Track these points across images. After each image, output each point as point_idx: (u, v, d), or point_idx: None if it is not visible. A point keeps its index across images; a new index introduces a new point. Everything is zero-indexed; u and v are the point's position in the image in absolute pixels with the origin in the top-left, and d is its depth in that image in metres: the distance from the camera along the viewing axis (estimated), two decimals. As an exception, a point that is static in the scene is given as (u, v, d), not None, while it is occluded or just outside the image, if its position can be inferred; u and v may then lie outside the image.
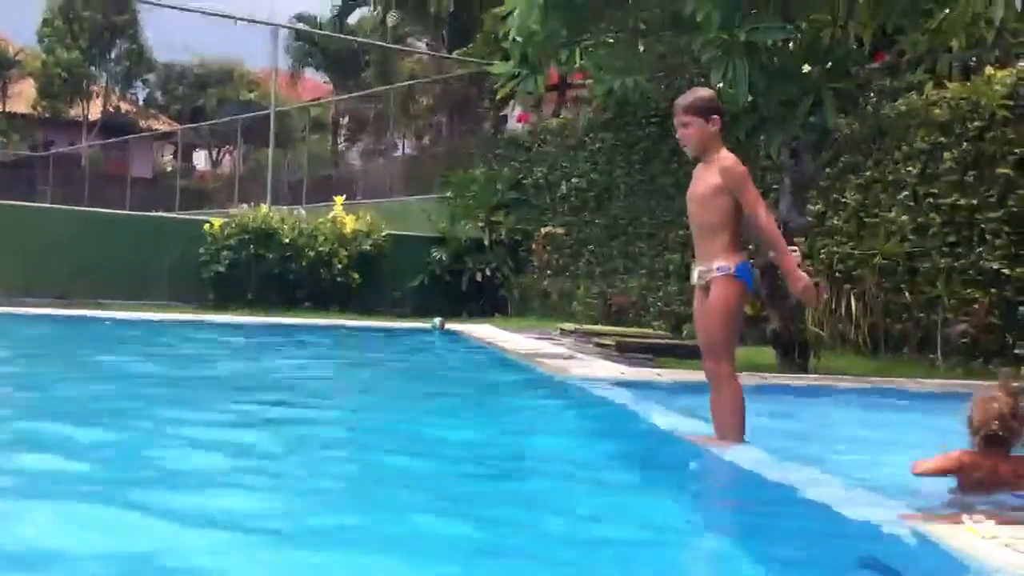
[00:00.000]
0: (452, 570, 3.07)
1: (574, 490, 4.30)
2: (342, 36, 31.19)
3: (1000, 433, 4.13)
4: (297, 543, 3.25)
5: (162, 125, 42.52)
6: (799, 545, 3.50)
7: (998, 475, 4.15)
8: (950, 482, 4.25)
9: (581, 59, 9.84)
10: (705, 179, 5.05)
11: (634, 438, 5.58)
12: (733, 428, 4.95)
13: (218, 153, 42.71)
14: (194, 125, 39.30)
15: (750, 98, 8.43)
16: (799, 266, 4.98)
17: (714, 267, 4.99)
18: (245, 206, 17.87)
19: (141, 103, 43.79)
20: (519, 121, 21.06)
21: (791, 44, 9.09)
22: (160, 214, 22.61)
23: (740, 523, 3.94)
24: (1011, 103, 10.26)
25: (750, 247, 5.49)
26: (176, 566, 2.95)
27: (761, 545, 3.52)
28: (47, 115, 39.44)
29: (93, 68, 39.31)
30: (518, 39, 9.51)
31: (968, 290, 10.60)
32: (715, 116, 5.07)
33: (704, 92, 5.31)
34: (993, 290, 10.39)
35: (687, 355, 10.57)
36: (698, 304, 5.16)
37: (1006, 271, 10.29)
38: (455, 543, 3.33)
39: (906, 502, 3.84)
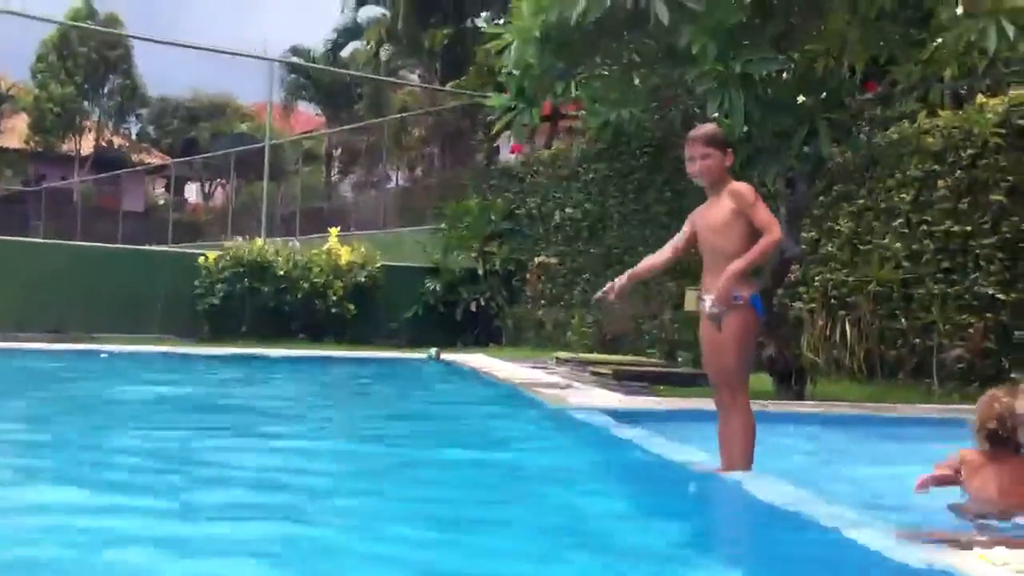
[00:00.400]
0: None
1: (577, 520, 4.31)
2: (335, 69, 31.31)
3: (998, 432, 4.21)
4: None
5: (154, 159, 42.60)
6: (810, 573, 3.52)
7: (1002, 475, 4.20)
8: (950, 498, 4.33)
9: (576, 90, 9.89)
10: (719, 208, 5.05)
11: (640, 468, 5.58)
12: (743, 458, 4.96)
13: (210, 186, 42.75)
14: (186, 159, 39.39)
15: (745, 128, 8.49)
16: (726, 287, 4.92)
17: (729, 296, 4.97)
18: (240, 239, 17.90)
19: (134, 137, 43.85)
20: (513, 152, 21.16)
21: (785, 75, 9.17)
22: (154, 247, 22.66)
23: (754, 552, 3.96)
24: (1003, 131, 10.36)
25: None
26: None
27: (773, 573, 3.55)
28: (39, 150, 39.47)
29: (86, 103, 39.42)
30: (514, 72, 9.55)
31: (963, 315, 10.68)
32: (729, 150, 5.12)
33: (715, 126, 5.39)
34: (988, 315, 10.47)
35: (682, 382, 10.64)
36: (707, 333, 5.13)
37: (1001, 296, 10.38)
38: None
39: (905, 523, 3.90)
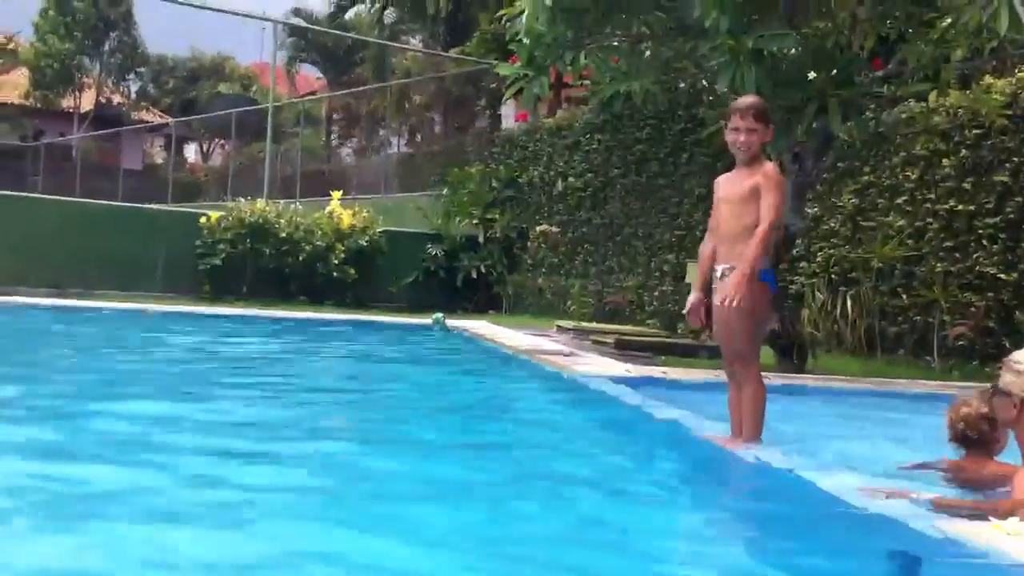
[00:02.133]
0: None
1: (587, 487, 4.39)
2: (337, 32, 31.20)
3: (968, 433, 4.36)
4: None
5: (153, 117, 42.48)
6: (822, 540, 3.62)
7: (981, 478, 4.35)
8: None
9: (585, 61, 9.92)
10: (744, 183, 5.06)
11: (648, 436, 5.68)
12: (753, 427, 5.05)
13: (209, 146, 42.61)
14: (187, 118, 39.31)
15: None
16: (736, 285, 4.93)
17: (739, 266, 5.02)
18: (242, 200, 17.92)
19: (133, 95, 43.69)
20: (517, 120, 21.17)
21: (796, 51, 9.21)
22: (155, 206, 22.64)
23: (764, 519, 4.05)
24: (1009, 112, 10.42)
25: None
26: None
27: (784, 541, 3.64)
28: (38, 105, 39.32)
29: (87, 60, 39.25)
30: (525, 40, 9.58)
31: (965, 294, 10.78)
32: (771, 125, 5.14)
33: (760, 99, 5.36)
34: (990, 294, 10.57)
35: (684, 353, 10.74)
36: (720, 305, 5.20)
37: (1003, 276, 10.47)
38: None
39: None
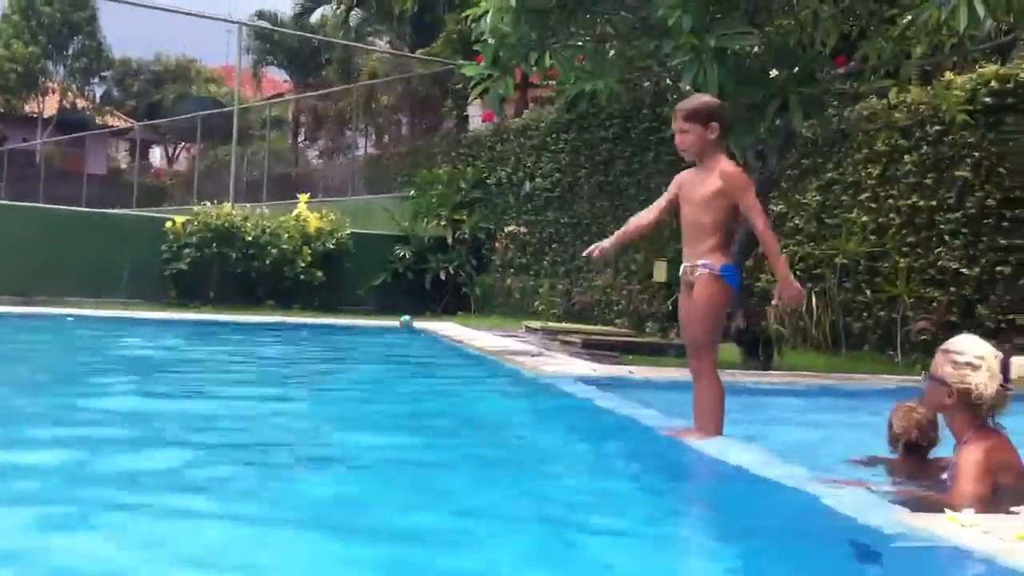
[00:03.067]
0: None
1: (553, 485, 4.40)
2: (303, 34, 31.11)
3: (919, 441, 4.45)
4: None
5: (118, 121, 42.19)
6: (778, 533, 3.63)
7: (916, 480, 4.44)
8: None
9: (550, 60, 9.94)
10: (705, 184, 5.11)
11: (609, 432, 5.70)
12: (711, 421, 5.09)
13: (174, 150, 42.35)
14: (152, 122, 39.07)
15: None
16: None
17: (698, 264, 5.11)
18: (207, 204, 17.81)
19: (98, 100, 43.38)
20: (483, 120, 21.17)
21: (758, 48, 9.27)
22: (120, 211, 22.47)
23: (719, 513, 4.08)
24: (970, 108, 10.52)
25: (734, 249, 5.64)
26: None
27: (740, 534, 3.66)
28: (1, 111, 38.96)
29: (50, 64, 38.92)
30: (489, 41, 9.59)
31: (928, 289, 10.89)
32: (713, 123, 5.16)
33: (706, 99, 5.40)
34: (952, 289, 10.68)
35: (651, 352, 10.80)
36: (683, 302, 5.28)
37: (965, 270, 10.58)
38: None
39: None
